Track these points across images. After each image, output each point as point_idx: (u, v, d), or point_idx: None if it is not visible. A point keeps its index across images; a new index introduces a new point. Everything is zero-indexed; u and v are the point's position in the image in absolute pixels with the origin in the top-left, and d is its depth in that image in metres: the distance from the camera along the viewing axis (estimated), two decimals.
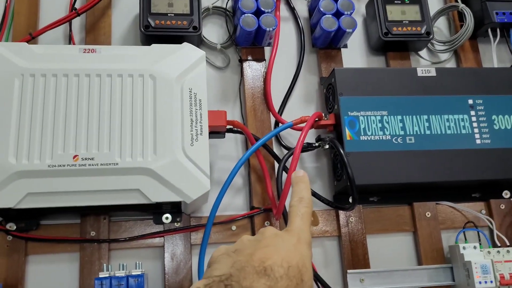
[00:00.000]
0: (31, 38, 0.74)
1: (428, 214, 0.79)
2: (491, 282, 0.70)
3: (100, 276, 0.59)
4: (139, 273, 0.60)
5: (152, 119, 0.66)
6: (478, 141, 0.76)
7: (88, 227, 0.71)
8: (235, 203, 0.78)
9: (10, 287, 0.67)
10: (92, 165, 0.63)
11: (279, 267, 0.39)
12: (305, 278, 0.40)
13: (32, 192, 0.61)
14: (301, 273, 0.40)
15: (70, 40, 0.80)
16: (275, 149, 0.80)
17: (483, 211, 0.81)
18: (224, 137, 0.75)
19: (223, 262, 0.41)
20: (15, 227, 0.68)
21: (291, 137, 0.82)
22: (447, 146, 0.75)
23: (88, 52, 0.69)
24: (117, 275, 0.59)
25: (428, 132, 0.76)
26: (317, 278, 0.72)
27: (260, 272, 0.38)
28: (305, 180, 0.51)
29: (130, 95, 0.67)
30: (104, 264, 0.63)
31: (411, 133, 0.75)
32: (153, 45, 0.70)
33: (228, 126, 0.74)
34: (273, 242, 0.41)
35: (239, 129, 0.75)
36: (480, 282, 0.70)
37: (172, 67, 0.69)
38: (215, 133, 0.73)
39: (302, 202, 0.48)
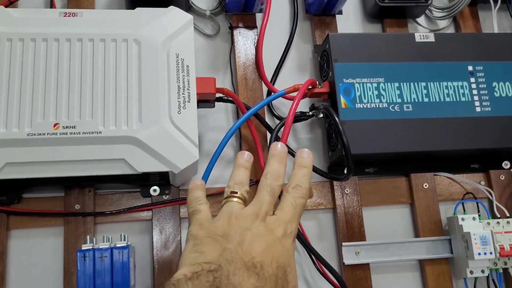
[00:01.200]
0: (9, 3, 0.71)
1: (425, 186, 0.77)
2: (491, 253, 0.68)
3: (83, 248, 0.57)
4: (124, 245, 0.57)
5: (137, 86, 0.63)
6: (478, 109, 0.74)
7: (72, 200, 0.68)
8: (226, 175, 0.75)
9: None
10: (74, 133, 0.60)
11: (269, 266, 0.37)
12: (289, 278, 0.39)
13: (11, 162, 0.58)
14: (286, 273, 0.39)
15: (51, 6, 0.76)
16: (268, 119, 0.77)
17: (482, 182, 0.79)
18: (214, 106, 0.72)
19: (210, 246, 0.39)
20: None
21: (284, 107, 0.79)
22: (445, 114, 0.72)
23: (69, 16, 0.65)
24: (100, 247, 0.56)
25: (426, 99, 0.73)
26: (311, 251, 0.70)
27: (250, 268, 0.37)
28: (308, 165, 0.46)
29: (113, 60, 0.63)
30: (88, 236, 0.60)
31: (409, 100, 0.72)
32: (138, 8, 0.67)
33: (217, 95, 0.71)
34: (260, 233, 0.39)
35: (229, 98, 0.72)
36: (479, 254, 0.68)
37: (158, 31, 0.65)
38: (204, 101, 0.69)
39: (298, 191, 0.44)
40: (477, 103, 0.74)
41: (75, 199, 0.68)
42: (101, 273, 0.56)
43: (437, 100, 0.73)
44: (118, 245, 0.57)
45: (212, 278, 0.35)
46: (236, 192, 0.44)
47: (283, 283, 0.38)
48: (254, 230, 0.39)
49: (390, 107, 0.71)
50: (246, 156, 0.48)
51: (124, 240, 0.59)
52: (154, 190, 0.69)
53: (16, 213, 0.66)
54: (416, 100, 0.72)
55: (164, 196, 0.70)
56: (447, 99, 0.73)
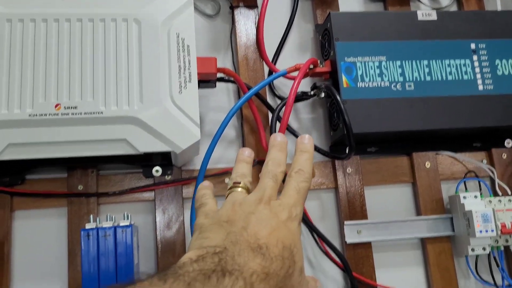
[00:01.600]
0: None
1: (427, 165, 0.77)
2: (492, 231, 0.68)
3: (86, 227, 0.57)
4: (127, 224, 0.58)
5: (138, 66, 0.63)
6: (480, 87, 0.73)
7: (75, 181, 0.68)
8: (228, 156, 0.75)
9: None
10: (75, 114, 0.60)
11: (274, 247, 0.37)
12: (296, 259, 0.39)
13: (13, 143, 0.59)
14: (293, 254, 0.38)
15: None
16: (269, 100, 0.77)
17: (484, 161, 0.79)
18: (215, 86, 0.71)
19: (215, 231, 0.39)
20: None
21: (286, 88, 0.79)
22: (448, 92, 0.72)
23: None
24: (104, 226, 0.57)
25: (428, 78, 0.72)
26: (314, 230, 0.71)
27: (255, 249, 0.36)
28: (309, 150, 0.46)
29: (113, 40, 0.63)
30: (91, 216, 0.60)
31: (411, 79, 0.72)
32: None
33: (219, 75, 0.70)
34: (265, 216, 0.39)
35: (230, 78, 0.72)
36: (480, 231, 0.68)
37: (158, 11, 0.65)
38: (205, 81, 0.69)
39: (301, 175, 0.44)
40: (479, 81, 0.73)
41: (78, 180, 0.68)
42: (105, 251, 0.57)
43: (440, 78, 0.72)
44: (121, 224, 0.58)
45: (217, 259, 0.35)
46: (239, 183, 0.45)
47: (290, 263, 0.38)
48: (258, 214, 0.39)
49: (392, 85, 0.71)
50: (247, 152, 0.49)
51: (127, 219, 0.59)
52: (157, 170, 0.69)
53: (20, 194, 0.67)
54: (418, 79, 0.72)
55: (166, 176, 0.70)
56: (450, 78, 0.73)
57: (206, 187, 0.49)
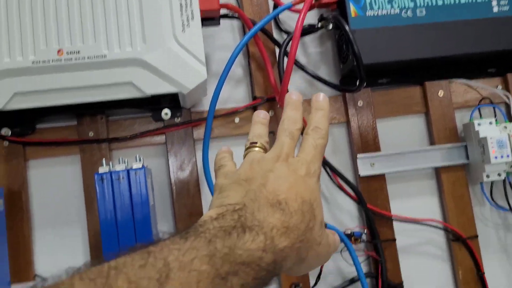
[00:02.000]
0: None
1: (440, 93, 0.75)
2: (508, 156, 0.68)
3: (100, 171, 0.57)
4: (140, 166, 0.58)
5: (138, 5, 0.61)
6: (495, 9, 0.70)
7: (85, 127, 0.68)
8: (236, 95, 0.74)
9: (12, 193, 0.66)
10: (79, 59, 0.59)
11: (293, 201, 0.37)
12: (316, 213, 0.39)
13: (19, 91, 0.58)
14: (313, 208, 0.39)
15: None
16: (275, 35, 0.75)
17: (499, 87, 0.77)
18: (219, 24, 0.69)
19: (235, 190, 0.40)
20: (10, 132, 0.66)
21: (292, 21, 0.76)
22: (461, 16, 0.69)
23: None
24: (117, 169, 0.57)
25: (440, 2, 0.69)
26: (327, 164, 0.71)
27: (274, 205, 0.37)
28: (324, 107, 0.46)
29: None
30: (104, 160, 0.60)
31: (422, 4, 0.69)
32: None
33: (222, 11, 0.68)
34: (283, 173, 0.40)
35: (234, 14, 0.70)
36: (496, 157, 0.68)
37: None
38: (209, 19, 0.67)
39: (318, 132, 0.43)
40: (494, 3, 0.70)
41: (88, 127, 0.68)
42: (120, 194, 0.57)
43: (452, 2, 0.69)
44: (134, 167, 0.58)
45: (237, 216, 0.36)
46: (256, 142, 0.45)
47: (310, 217, 0.38)
48: (277, 171, 0.40)
49: (402, 12, 0.68)
50: (262, 115, 0.49)
51: (140, 161, 0.59)
52: (166, 113, 0.69)
53: (32, 143, 0.67)
54: (430, 4, 0.69)
55: (176, 119, 0.70)
56: (463, 0, 0.70)
57: (225, 151, 0.50)
